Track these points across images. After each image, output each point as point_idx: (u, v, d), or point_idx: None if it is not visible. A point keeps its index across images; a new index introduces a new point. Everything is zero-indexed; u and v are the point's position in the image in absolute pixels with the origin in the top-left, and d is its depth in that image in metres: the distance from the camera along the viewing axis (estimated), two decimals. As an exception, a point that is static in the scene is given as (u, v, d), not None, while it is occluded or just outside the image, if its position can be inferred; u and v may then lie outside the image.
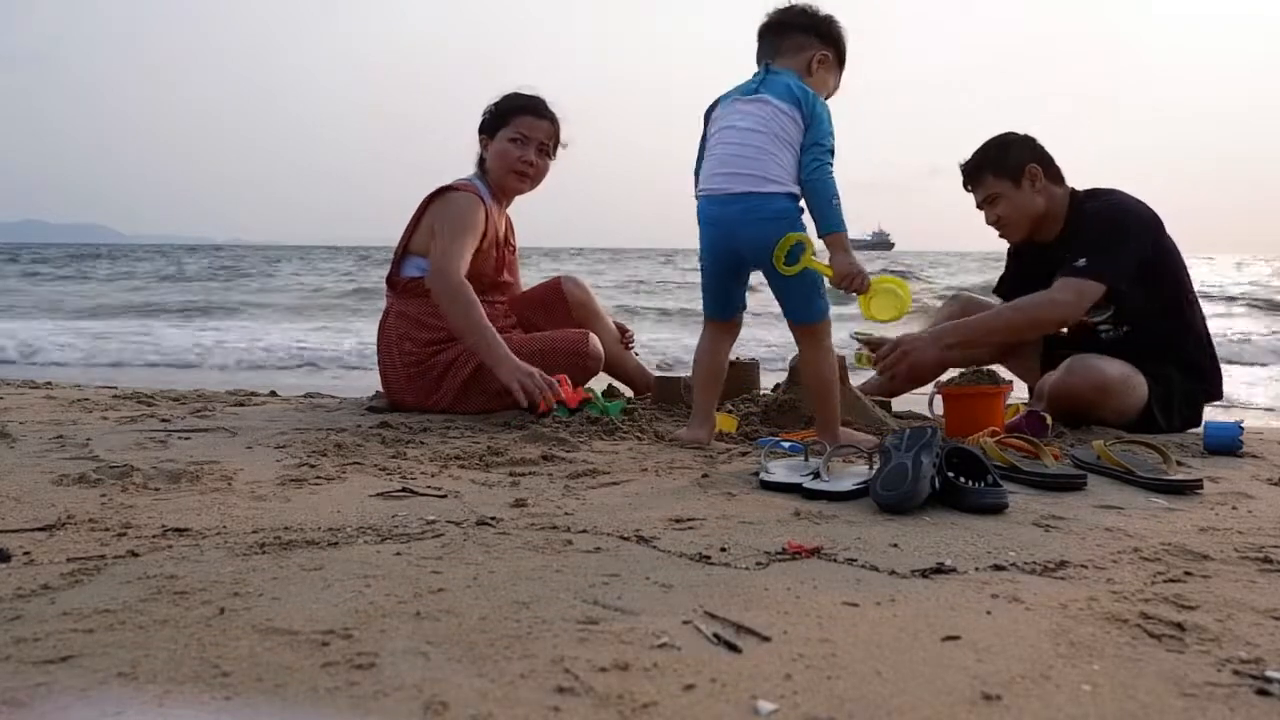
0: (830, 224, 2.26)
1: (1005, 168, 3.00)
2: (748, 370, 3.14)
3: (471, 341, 2.86)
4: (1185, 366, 2.94)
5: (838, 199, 2.28)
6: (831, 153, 2.31)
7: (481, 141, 3.16)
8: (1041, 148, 3.06)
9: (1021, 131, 3.09)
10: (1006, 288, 3.28)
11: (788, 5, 2.49)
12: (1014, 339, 3.12)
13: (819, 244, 2.32)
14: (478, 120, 3.19)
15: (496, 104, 3.15)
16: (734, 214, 2.30)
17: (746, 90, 2.39)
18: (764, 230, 2.27)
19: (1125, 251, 2.86)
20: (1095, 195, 3.03)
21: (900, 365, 2.81)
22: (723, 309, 2.46)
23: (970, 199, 3.12)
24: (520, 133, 3.09)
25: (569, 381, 2.84)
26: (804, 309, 2.37)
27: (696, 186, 2.44)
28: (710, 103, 2.51)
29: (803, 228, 2.31)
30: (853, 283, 2.29)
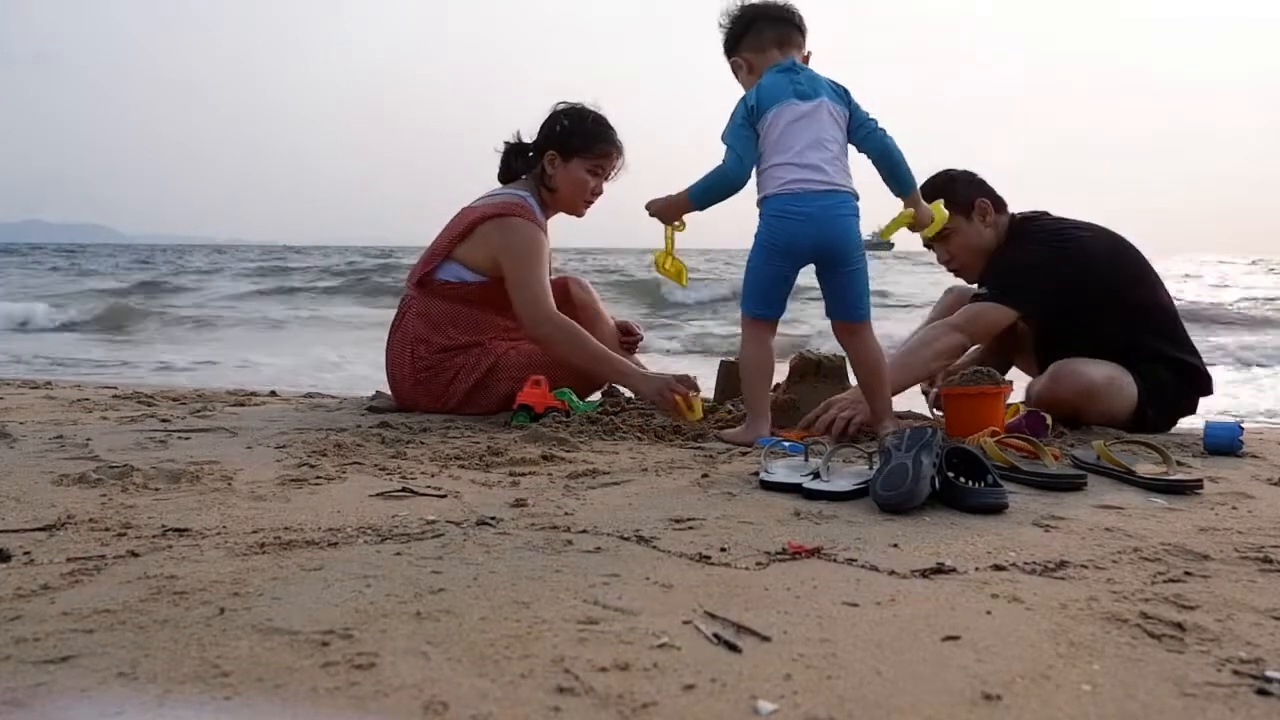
0: (911, 183, 2.61)
1: (956, 202, 2.96)
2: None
3: (601, 371, 2.94)
4: (1171, 364, 2.93)
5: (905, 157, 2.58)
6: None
7: (549, 157, 3.07)
8: (983, 182, 3.06)
9: (959, 168, 3.08)
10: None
11: (781, 3, 2.64)
12: (941, 366, 3.01)
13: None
14: (539, 124, 3.11)
15: (577, 125, 3.08)
16: (825, 208, 2.47)
17: (801, 93, 2.51)
18: (847, 225, 2.49)
19: (1032, 278, 2.87)
20: (1025, 228, 3.02)
21: (840, 426, 2.65)
22: (776, 307, 2.58)
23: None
24: (600, 166, 3.10)
25: (546, 384, 2.84)
26: (858, 307, 2.56)
27: (768, 187, 2.50)
28: (756, 95, 2.52)
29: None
30: (924, 220, 2.66)
